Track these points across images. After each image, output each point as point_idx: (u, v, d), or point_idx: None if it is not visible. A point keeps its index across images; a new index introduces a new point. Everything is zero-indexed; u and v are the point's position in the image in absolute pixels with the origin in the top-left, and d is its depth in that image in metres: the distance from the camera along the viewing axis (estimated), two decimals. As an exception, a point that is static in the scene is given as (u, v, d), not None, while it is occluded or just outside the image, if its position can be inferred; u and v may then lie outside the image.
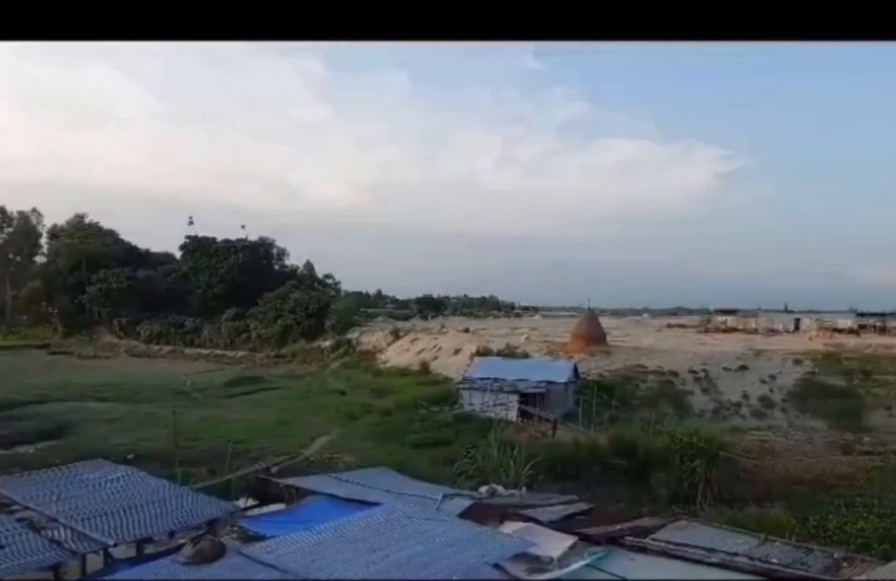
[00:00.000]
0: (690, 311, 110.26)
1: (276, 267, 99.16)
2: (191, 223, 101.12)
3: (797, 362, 47.79)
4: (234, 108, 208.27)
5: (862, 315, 75.75)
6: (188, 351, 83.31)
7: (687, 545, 12.07)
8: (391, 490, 16.51)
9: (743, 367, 46.94)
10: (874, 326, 70.68)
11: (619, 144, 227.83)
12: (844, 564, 11.44)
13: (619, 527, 13.63)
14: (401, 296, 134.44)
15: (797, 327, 74.49)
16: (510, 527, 13.39)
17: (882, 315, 76.29)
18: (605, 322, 68.05)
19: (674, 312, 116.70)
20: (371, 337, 75.53)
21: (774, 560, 11.36)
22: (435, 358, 59.43)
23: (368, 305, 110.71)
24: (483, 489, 19.83)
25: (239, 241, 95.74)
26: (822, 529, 20.71)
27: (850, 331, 66.87)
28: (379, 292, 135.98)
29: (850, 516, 22.00)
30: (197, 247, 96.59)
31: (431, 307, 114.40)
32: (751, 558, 11.40)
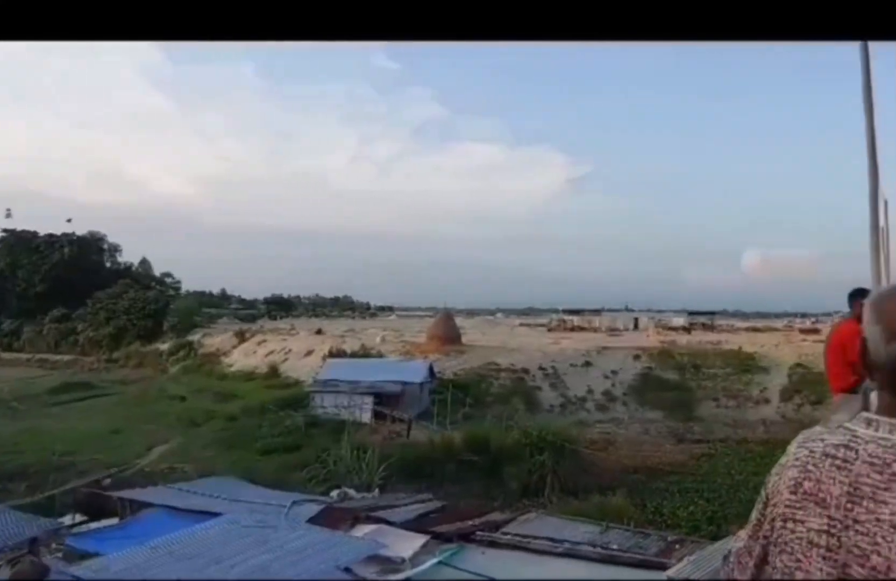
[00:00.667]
0: (541, 311, 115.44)
1: (108, 264, 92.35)
2: (8, 216, 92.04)
3: (636, 358, 51.51)
4: (58, 93, 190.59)
5: (692, 314, 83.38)
6: (5, 355, 75.47)
7: (535, 537, 12.65)
8: (235, 499, 15.90)
9: (588, 364, 49.88)
10: (703, 324, 78.09)
11: (473, 147, 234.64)
12: (677, 546, 12.45)
13: (470, 522, 13.99)
14: (247, 295, 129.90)
15: (636, 326, 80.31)
16: (362, 529, 13.34)
17: (710, 314, 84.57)
18: (460, 322, 69.67)
19: (525, 312, 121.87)
20: (214, 339, 72.20)
21: (615, 546, 12.18)
22: (284, 360, 57.95)
23: (212, 305, 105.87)
24: (334, 493, 19.64)
25: (65, 235, 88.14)
26: (659, 514, 22.52)
27: (683, 329, 73.29)
28: (223, 292, 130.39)
29: (683, 501, 24.12)
30: (16, 241, 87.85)
31: (281, 307, 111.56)
32: (593, 546, 12.14)
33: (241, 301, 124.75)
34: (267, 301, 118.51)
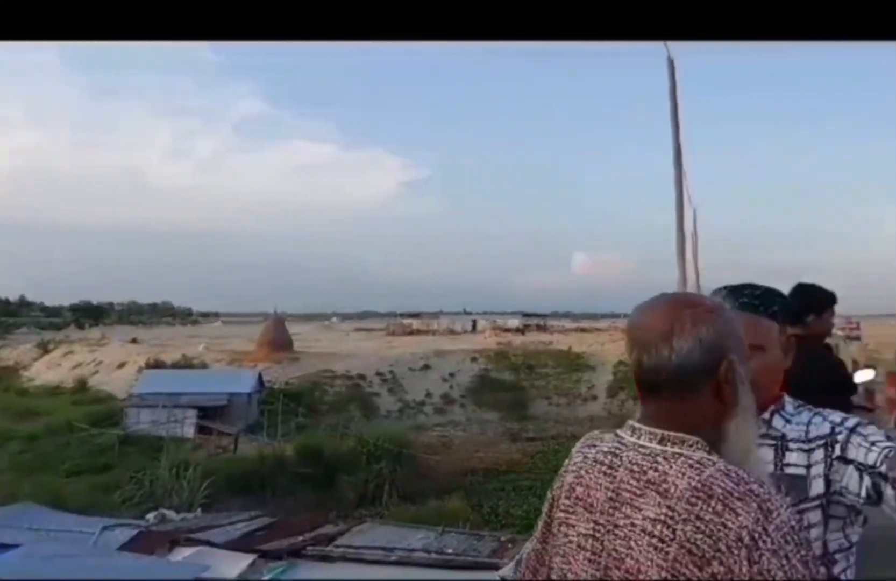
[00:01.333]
0: (378, 315, 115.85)
1: None
2: None
3: (473, 360, 53.03)
4: None
5: (527, 315, 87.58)
6: None
7: (368, 547, 12.43)
8: (36, 527, 14.28)
9: (426, 367, 50.61)
10: (537, 326, 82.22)
11: (302, 146, 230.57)
12: (510, 545, 12.78)
13: (301, 537, 13.51)
14: (51, 302, 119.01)
15: (474, 328, 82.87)
16: (181, 553, 12.41)
17: (543, 315, 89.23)
18: (292, 327, 67.96)
19: (362, 316, 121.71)
20: (12, 351, 65.83)
21: (450, 550, 12.25)
22: (94, 373, 53.54)
23: (9, 314, 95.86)
24: (150, 516, 18.25)
25: None
26: (495, 514, 23.16)
27: (517, 330, 76.65)
28: (22, 298, 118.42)
29: (517, 500, 24.97)
30: None
31: (90, 315, 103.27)
32: (428, 552, 12.14)
33: (44, 308, 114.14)
34: (74, 308, 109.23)
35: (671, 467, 1.22)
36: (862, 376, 6.00)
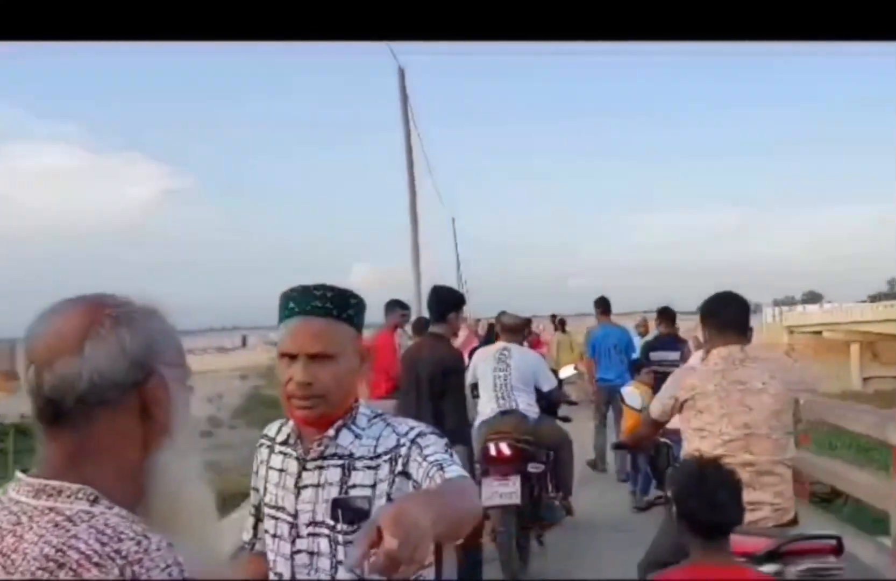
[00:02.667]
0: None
1: None
2: None
3: (244, 378, 50.82)
4: None
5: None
6: None
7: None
8: None
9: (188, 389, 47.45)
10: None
11: (45, 149, 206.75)
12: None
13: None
14: None
15: (245, 343, 79.66)
16: None
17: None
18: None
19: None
20: None
21: None
22: None
23: None
24: None
25: None
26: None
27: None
28: None
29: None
30: None
31: None
32: None
33: None
34: None
35: (31, 529, 0.95)
36: (565, 372, 7.22)
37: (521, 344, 6.41)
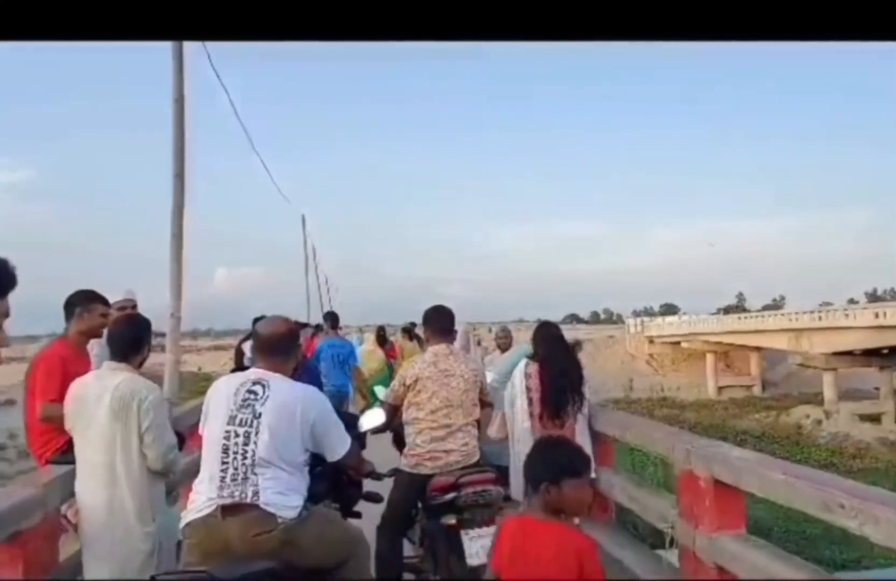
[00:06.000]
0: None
1: None
2: None
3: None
4: None
5: (160, 335, 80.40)
6: None
7: None
8: None
9: (10, 403, 42.83)
10: (163, 347, 75.90)
11: None
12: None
13: None
14: None
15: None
16: None
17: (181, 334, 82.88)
18: None
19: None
20: None
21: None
22: None
23: None
24: None
25: None
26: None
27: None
28: None
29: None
30: None
31: None
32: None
33: None
34: None
35: None
36: (371, 420, 4.53)
37: (287, 373, 3.41)
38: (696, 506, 3.90)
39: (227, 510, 3.04)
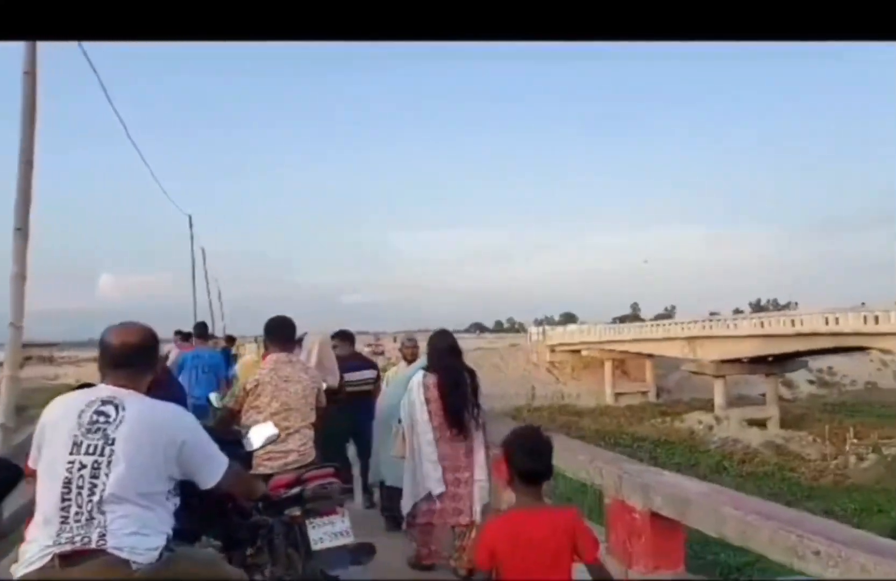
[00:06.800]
0: None
1: None
2: None
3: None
4: None
5: (29, 346, 75.72)
6: None
7: None
8: None
9: None
10: (40, 356, 71.53)
11: None
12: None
13: None
14: None
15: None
16: None
17: (54, 344, 78.33)
18: None
19: None
20: None
21: None
22: None
23: None
24: None
25: None
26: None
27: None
28: None
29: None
30: None
31: None
32: None
33: None
34: None
35: None
36: (260, 434, 4.05)
37: (142, 390, 2.78)
38: (629, 542, 3.43)
39: (67, 559, 2.41)
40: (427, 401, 5.12)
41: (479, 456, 5.13)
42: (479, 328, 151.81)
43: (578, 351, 59.95)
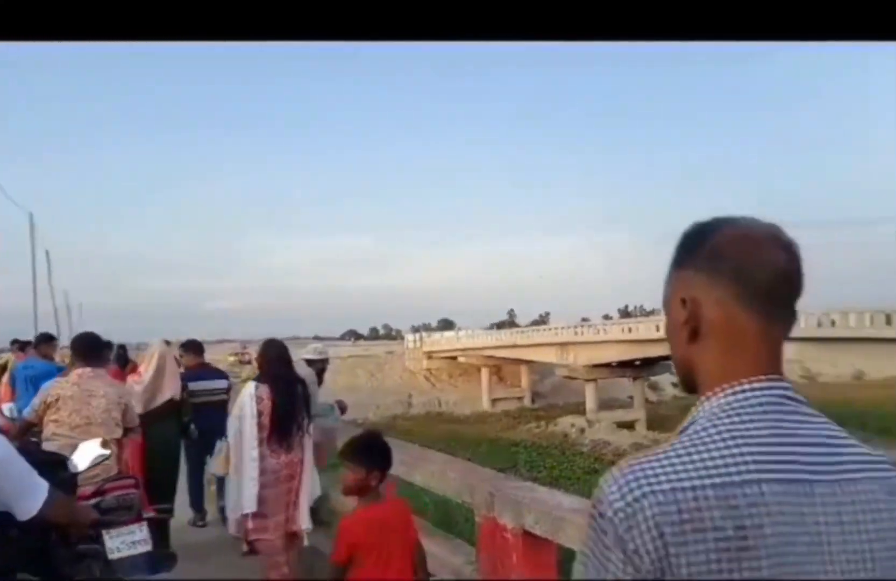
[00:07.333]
0: None
1: None
2: None
3: None
4: None
5: None
6: None
7: None
8: None
9: None
10: None
11: None
12: None
13: None
14: None
15: None
16: None
17: None
18: None
19: None
20: None
21: None
22: None
23: None
24: None
25: None
26: None
27: None
28: None
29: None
30: None
31: None
32: None
33: None
34: None
35: None
36: (87, 455, 3.93)
37: None
38: (501, 562, 3.25)
39: None
40: (259, 413, 4.97)
41: (308, 464, 5.17)
42: (354, 335, 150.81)
43: (455, 358, 60.44)
